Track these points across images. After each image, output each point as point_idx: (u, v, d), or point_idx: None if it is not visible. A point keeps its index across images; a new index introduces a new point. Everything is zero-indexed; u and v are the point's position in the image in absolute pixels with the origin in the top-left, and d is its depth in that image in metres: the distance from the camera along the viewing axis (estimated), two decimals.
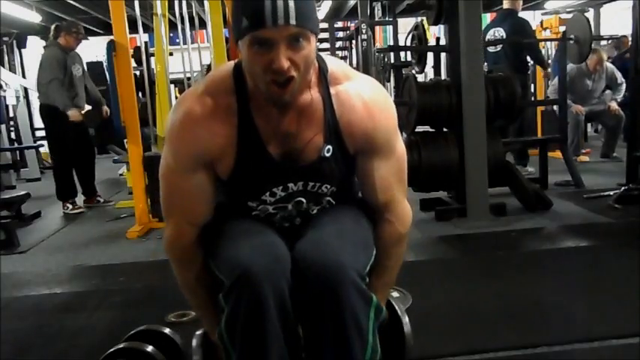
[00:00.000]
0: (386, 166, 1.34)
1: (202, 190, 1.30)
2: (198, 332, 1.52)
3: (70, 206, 5.01)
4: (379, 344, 1.25)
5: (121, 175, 6.02)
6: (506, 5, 5.26)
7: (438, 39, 5.81)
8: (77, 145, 4.89)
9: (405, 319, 1.52)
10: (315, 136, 1.27)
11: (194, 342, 1.49)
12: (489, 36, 5.13)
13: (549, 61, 7.18)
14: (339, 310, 1.17)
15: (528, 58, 5.65)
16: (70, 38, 4.77)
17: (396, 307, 1.54)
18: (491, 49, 5.09)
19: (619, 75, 5.94)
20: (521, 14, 5.44)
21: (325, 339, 1.19)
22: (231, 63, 1.29)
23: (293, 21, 1.10)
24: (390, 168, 1.34)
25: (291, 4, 1.09)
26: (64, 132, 4.76)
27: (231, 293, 1.18)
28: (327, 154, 1.28)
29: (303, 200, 1.34)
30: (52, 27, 4.89)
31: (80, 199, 5.21)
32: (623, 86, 5.89)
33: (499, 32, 5.12)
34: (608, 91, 6.18)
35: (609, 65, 6.05)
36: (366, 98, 1.28)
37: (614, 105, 5.82)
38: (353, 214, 1.39)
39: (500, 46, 5.08)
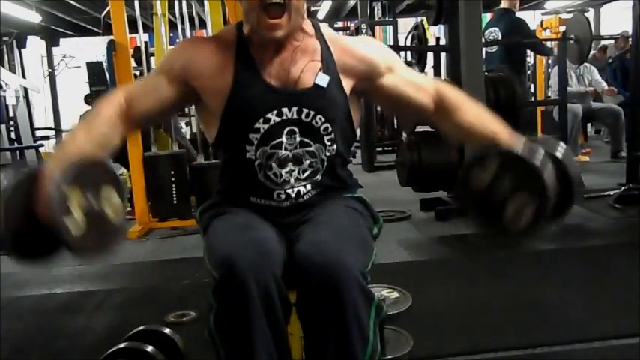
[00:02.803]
0: (410, 72, 1.44)
1: (158, 91, 1.36)
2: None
3: None
4: (379, 343, 1.26)
5: (120, 175, 6.03)
6: (503, 5, 5.23)
7: (438, 39, 5.80)
8: None
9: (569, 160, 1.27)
10: (312, 62, 1.34)
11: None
12: (485, 36, 5.11)
13: (549, 62, 7.19)
14: (341, 307, 1.18)
15: (528, 58, 5.66)
16: None
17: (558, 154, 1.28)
18: (486, 49, 5.07)
19: (597, 74, 6.23)
20: (522, 14, 5.42)
21: (327, 337, 1.20)
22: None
23: None
24: (414, 72, 1.46)
25: None
26: None
27: (218, 289, 1.19)
28: (323, 83, 1.33)
29: (296, 131, 1.34)
30: None
31: None
32: (600, 81, 6.23)
33: (495, 33, 5.10)
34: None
35: (592, 67, 6.22)
36: (362, 39, 1.47)
37: (593, 88, 6.07)
38: (350, 214, 1.39)
39: (496, 46, 5.06)
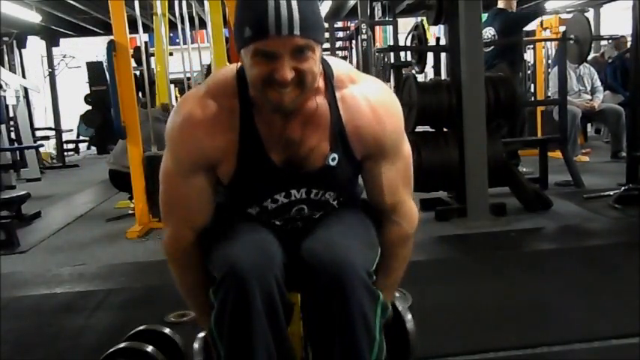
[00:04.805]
0: (393, 169, 1.33)
1: (200, 194, 1.29)
2: (200, 335, 1.51)
3: None
4: (385, 342, 1.26)
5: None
6: (500, 4, 5.24)
7: (438, 39, 5.80)
8: None
9: (408, 317, 1.52)
10: (321, 143, 1.24)
11: (196, 345, 1.47)
12: None
13: (549, 62, 7.18)
14: (348, 307, 1.18)
15: (527, 57, 5.64)
16: None
17: (399, 307, 1.54)
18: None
19: (597, 79, 6.17)
20: None
21: (333, 336, 1.20)
22: (234, 66, 1.27)
23: (297, 31, 1.07)
24: (398, 170, 1.33)
25: (296, 14, 1.06)
26: None
27: (220, 289, 1.19)
28: (333, 163, 1.26)
29: (305, 208, 1.33)
30: None
31: None
32: (600, 90, 6.15)
33: (490, 32, 5.09)
34: (606, 92, 6.25)
35: (592, 70, 6.19)
36: (373, 102, 1.26)
37: (593, 103, 5.98)
38: (357, 214, 1.39)
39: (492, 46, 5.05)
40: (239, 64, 1.23)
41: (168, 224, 1.34)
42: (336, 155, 1.25)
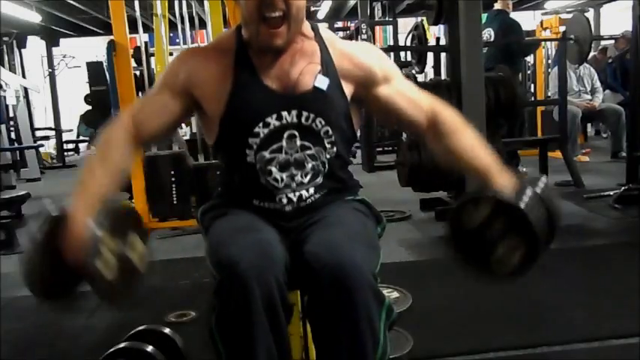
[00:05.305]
0: (408, 84, 1.43)
1: (161, 108, 1.36)
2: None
3: None
4: (389, 344, 1.25)
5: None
6: (497, 5, 5.25)
7: (438, 39, 5.81)
8: None
9: (528, 193, 1.22)
10: (311, 66, 1.34)
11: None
12: None
13: (550, 62, 7.19)
14: (354, 310, 1.18)
15: (528, 59, 5.64)
16: None
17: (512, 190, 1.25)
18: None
19: (597, 80, 6.19)
20: (522, 14, 5.41)
21: (339, 338, 1.20)
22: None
23: None
24: (411, 85, 1.43)
25: None
26: None
27: (221, 290, 1.19)
28: (322, 86, 1.33)
29: (297, 134, 1.33)
30: None
31: None
32: (600, 90, 6.19)
33: (489, 33, 5.10)
34: (606, 91, 6.25)
35: (592, 70, 6.20)
36: (361, 45, 1.47)
37: (593, 103, 6.00)
38: (356, 215, 1.38)
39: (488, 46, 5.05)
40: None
41: (122, 110, 1.45)
42: (326, 78, 1.34)
